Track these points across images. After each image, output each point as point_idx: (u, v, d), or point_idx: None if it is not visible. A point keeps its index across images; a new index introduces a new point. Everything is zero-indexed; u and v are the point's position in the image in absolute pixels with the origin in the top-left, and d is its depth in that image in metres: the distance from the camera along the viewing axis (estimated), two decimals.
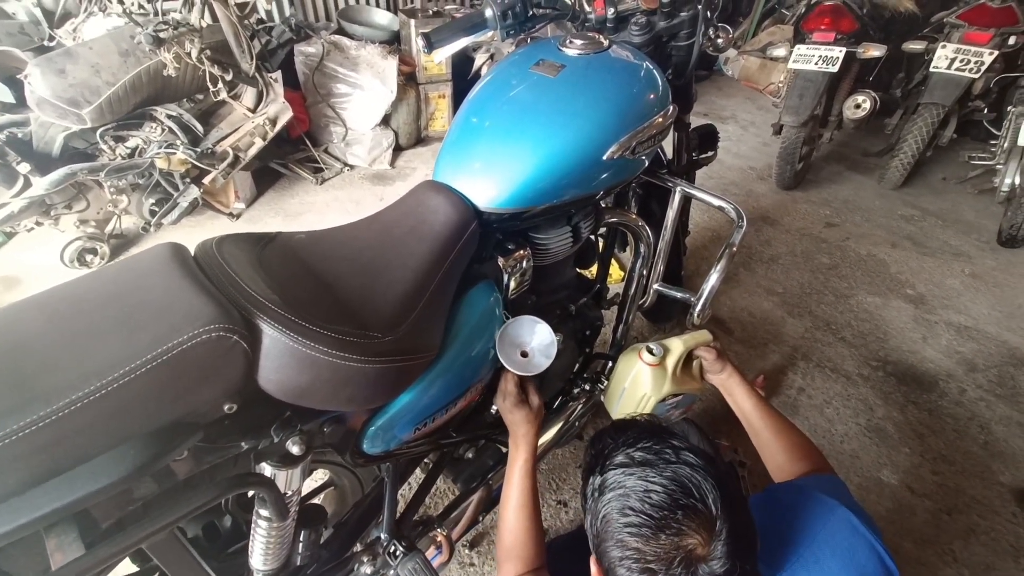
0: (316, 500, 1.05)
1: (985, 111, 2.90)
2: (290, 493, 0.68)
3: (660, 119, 0.96)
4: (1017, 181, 2.47)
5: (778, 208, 2.85)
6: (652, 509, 0.53)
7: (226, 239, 0.70)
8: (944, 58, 2.45)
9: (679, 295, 1.29)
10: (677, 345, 1.05)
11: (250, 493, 0.66)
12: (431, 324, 0.76)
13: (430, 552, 0.95)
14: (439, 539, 0.97)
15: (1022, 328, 2.12)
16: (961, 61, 2.38)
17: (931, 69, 2.47)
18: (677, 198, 1.24)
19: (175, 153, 2.03)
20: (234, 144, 2.24)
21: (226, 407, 0.57)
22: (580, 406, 1.31)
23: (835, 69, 2.41)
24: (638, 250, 1.27)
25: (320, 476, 1.13)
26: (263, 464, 0.64)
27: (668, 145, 1.28)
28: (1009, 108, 2.53)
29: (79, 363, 0.47)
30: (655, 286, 1.35)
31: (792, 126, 2.54)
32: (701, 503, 0.53)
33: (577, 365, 1.36)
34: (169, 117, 2.09)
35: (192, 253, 0.65)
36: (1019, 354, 1.99)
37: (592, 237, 1.27)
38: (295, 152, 2.93)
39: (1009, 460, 1.59)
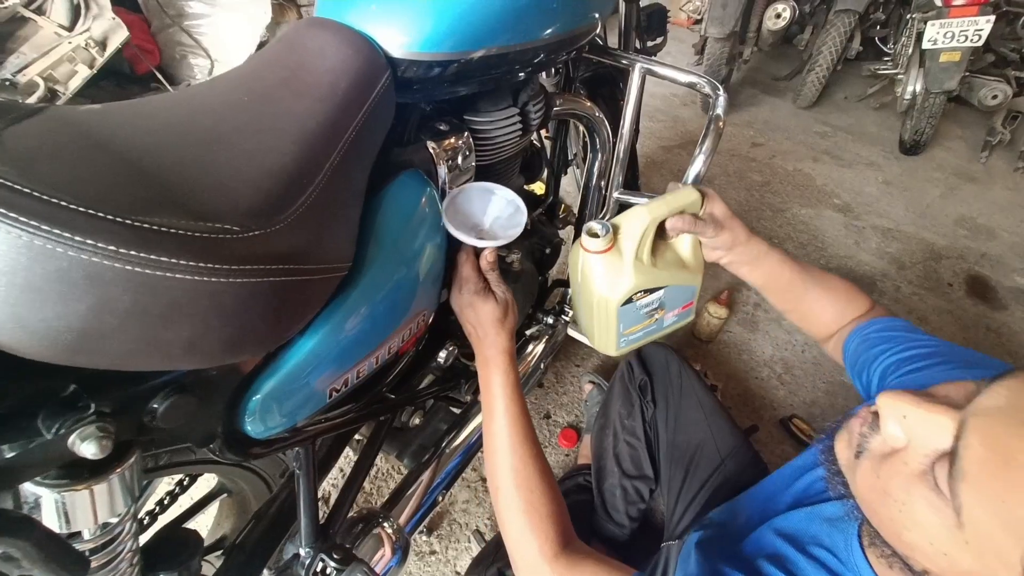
0: (201, 517, 0.74)
1: (877, 28, 2.99)
2: (97, 533, 0.38)
3: None
4: (918, 88, 2.55)
5: None
6: None
7: None
8: None
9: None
10: (638, 216, 0.65)
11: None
12: (336, 221, 0.47)
13: (377, 556, 0.70)
14: (386, 536, 0.71)
15: (933, 226, 2.23)
16: None
17: None
18: (636, 77, 1.02)
19: None
20: (45, 73, 1.68)
21: None
22: (542, 345, 1.09)
23: None
24: (595, 148, 1.05)
25: (208, 480, 0.80)
26: (27, 488, 0.33)
27: (612, 32, 1.10)
28: (908, 16, 2.59)
29: None
30: (615, 194, 1.14)
31: (718, 38, 2.41)
32: None
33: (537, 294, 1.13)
34: None
35: None
36: (935, 249, 2.08)
37: (538, 144, 1.03)
38: (146, 93, 2.33)
39: None
